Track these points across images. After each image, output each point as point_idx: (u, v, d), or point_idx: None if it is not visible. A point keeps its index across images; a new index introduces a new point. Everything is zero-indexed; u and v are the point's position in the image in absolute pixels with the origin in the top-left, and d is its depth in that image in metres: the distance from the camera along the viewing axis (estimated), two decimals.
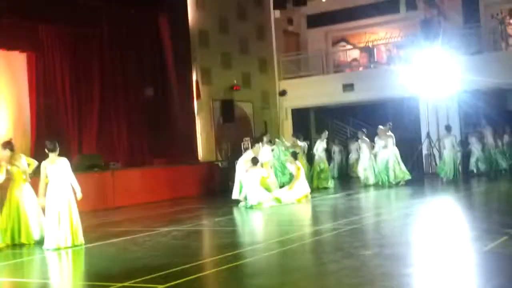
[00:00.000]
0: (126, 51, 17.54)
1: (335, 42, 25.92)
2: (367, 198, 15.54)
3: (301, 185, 14.50)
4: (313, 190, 16.41)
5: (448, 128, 18.27)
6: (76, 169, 14.38)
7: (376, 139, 17.17)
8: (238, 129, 19.89)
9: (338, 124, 25.30)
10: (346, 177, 21.52)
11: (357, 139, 18.73)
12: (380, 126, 17.13)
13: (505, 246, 7.76)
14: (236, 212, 13.60)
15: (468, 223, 10.53)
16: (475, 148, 19.31)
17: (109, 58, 17.23)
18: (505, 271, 6.43)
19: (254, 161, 14.25)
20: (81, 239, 9.53)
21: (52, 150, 9.60)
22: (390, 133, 17.14)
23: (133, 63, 17.66)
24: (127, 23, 17.57)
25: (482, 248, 7.64)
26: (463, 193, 15.52)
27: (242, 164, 14.55)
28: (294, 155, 14.89)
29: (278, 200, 14.07)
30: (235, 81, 20.67)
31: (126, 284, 6.76)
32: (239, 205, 14.14)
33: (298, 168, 14.67)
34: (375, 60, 23.55)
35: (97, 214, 13.84)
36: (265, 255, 8.19)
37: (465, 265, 6.94)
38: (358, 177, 18.39)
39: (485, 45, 20.62)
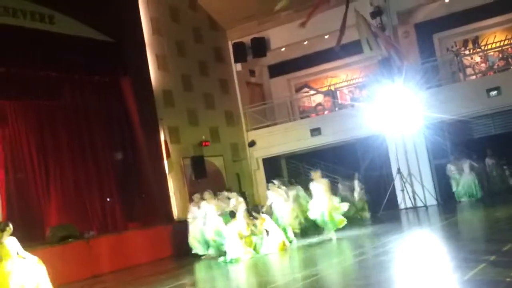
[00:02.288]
0: (92, 118, 17.52)
1: (298, 89, 26.35)
2: (343, 240, 15.49)
3: (273, 235, 14.40)
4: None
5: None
6: (50, 241, 14.29)
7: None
8: (211, 184, 19.86)
9: (309, 169, 25.39)
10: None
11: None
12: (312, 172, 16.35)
13: (483, 273, 7.84)
14: (216, 267, 13.48)
15: (447, 254, 10.60)
16: (454, 177, 19.94)
17: (75, 126, 17.19)
18: None
19: (232, 214, 14.29)
20: None
21: (2, 230, 9.66)
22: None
23: (100, 129, 17.64)
24: (90, 90, 17.64)
25: (462, 278, 7.71)
26: (438, 224, 15.62)
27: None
28: (232, 215, 14.54)
29: (256, 251, 14.01)
30: (203, 137, 20.76)
31: None
32: (219, 259, 14.07)
33: (262, 220, 14.57)
34: (339, 102, 23.94)
35: (74, 285, 13.56)
36: None
37: None
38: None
39: (444, 78, 21.15)
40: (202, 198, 15.80)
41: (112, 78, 18.16)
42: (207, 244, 15.53)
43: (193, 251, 15.70)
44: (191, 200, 16.95)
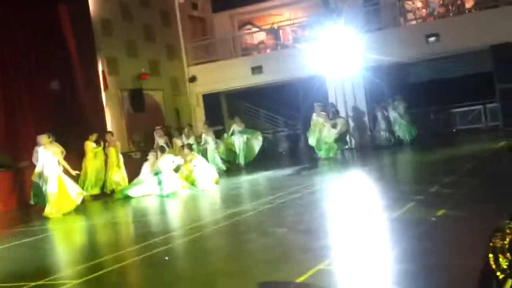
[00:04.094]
0: (28, 45, 16.82)
1: (241, 26, 26.04)
2: (280, 178, 15.77)
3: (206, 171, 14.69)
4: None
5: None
6: None
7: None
8: (150, 118, 19.65)
9: (250, 108, 25.49)
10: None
11: None
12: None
13: (411, 212, 8.16)
14: (150, 202, 13.50)
15: (378, 193, 10.95)
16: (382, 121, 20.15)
17: (10, 53, 16.48)
18: (411, 236, 6.76)
19: (162, 149, 14.40)
20: None
21: None
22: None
23: (36, 57, 16.97)
24: (25, 16, 16.86)
25: (391, 215, 8.00)
26: (372, 166, 16.07)
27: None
28: (189, 147, 15.39)
29: (193, 185, 14.15)
30: (142, 70, 20.35)
31: (39, 282, 6.59)
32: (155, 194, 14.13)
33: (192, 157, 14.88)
34: (282, 41, 23.85)
35: (11, 214, 13.40)
36: (181, 242, 8.20)
37: (375, 232, 7.24)
38: None
39: (385, 22, 21.33)
40: None
41: (48, 3, 17.37)
42: None
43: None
44: (128, 133, 16.86)
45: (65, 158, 13.02)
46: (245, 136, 18.73)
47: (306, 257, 6.31)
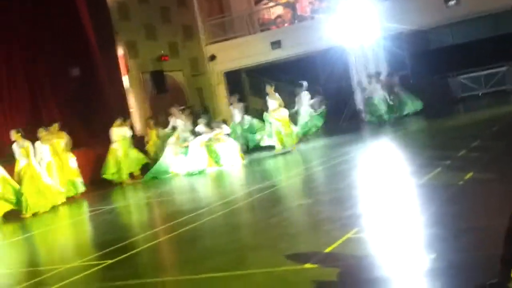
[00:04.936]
0: (44, 32, 16.90)
1: (258, 1, 25.84)
2: (302, 152, 15.76)
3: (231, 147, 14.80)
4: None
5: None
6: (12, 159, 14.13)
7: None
8: (173, 99, 19.73)
9: (270, 83, 25.29)
10: None
11: None
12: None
13: (438, 177, 8.14)
14: (177, 182, 13.65)
15: (405, 161, 10.92)
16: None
17: (30, 41, 16.59)
18: (439, 200, 6.76)
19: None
20: None
21: None
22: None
23: (54, 44, 17.07)
24: (41, 2, 16.93)
25: (418, 182, 8.00)
26: (397, 134, 15.97)
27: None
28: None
29: (218, 164, 14.29)
30: (162, 52, 20.38)
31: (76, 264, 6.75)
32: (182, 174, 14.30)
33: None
34: (299, 14, 23.65)
35: None
36: (210, 218, 8.30)
37: (403, 199, 7.24)
38: None
39: None
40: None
41: None
42: None
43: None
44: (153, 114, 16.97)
45: (91, 145, 13.16)
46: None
47: (333, 227, 6.34)
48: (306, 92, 18.19)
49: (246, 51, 22.04)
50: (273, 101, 15.75)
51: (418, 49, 22.21)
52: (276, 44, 21.83)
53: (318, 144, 16.25)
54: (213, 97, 22.77)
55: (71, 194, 13.30)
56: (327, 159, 12.42)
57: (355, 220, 6.49)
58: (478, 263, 4.34)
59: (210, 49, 22.93)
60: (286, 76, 23.70)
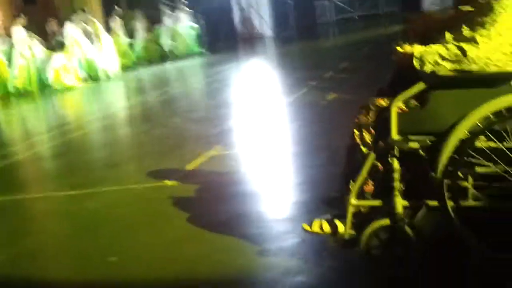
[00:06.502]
0: None
1: None
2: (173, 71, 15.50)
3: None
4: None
5: None
6: None
7: None
8: (44, 10, 18.48)
9: None
10: None
11: None
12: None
13: (306, 96, 8.39)
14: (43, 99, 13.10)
15: (276, 80, 11.11)
16: None
17: None
18: (305, 114, 7.11)
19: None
20: None
21: None
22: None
23: None
24: None
25: (288, 99, 8.23)
26: (270, 54, 16.13)
27: None
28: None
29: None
30: None
31: None
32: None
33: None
34: None
35: None
36: (74, 135, 8.06)
37: (269, 117, 7.38)
38: None
39: None
40: None
41: None
42: None
43: None
44: None
45: None
46: None
47: (199, 144, 6.34)
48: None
49: None
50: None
51: None
52: None
53: (191, 63, 16.09)
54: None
55: None
56: (202, 77, 12.35)
57: (222, 138, 6.53)
58: (329, 178, 4.52)
59: None
60: None
